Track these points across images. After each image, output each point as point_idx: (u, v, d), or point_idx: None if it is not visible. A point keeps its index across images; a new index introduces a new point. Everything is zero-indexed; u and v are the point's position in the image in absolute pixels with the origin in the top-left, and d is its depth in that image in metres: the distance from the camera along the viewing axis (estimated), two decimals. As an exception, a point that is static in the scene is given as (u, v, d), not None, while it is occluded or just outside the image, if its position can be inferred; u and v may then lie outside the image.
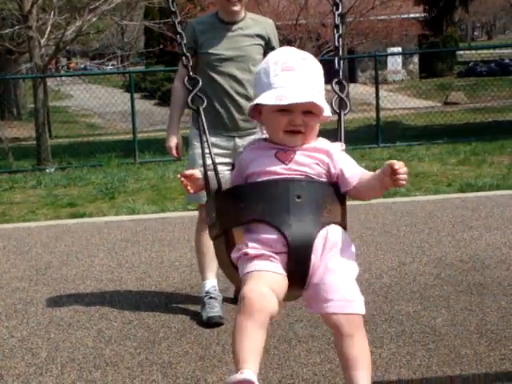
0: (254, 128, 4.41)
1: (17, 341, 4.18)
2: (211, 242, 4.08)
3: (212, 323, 4.24)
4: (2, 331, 4.34)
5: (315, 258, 2.34)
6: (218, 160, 4.29)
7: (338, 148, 2.45)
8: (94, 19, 15.65)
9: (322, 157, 2.38)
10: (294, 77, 2.26)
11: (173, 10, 3.09)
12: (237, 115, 4.36)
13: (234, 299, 4.62)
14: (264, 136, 2.46)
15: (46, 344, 4.11)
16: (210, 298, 4.38)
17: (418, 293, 4.63)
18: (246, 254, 2.32)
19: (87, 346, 4.05)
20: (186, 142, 4.53)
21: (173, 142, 4.41)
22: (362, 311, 2.41)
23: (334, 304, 2.33)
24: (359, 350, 2.44)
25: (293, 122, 2.28)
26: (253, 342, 2.19)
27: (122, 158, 12.78)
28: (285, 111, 2.26)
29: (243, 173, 2.45)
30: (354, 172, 2.42)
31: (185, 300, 4.76)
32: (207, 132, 4.32)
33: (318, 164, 2.37)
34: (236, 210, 2.37)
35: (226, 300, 4.52)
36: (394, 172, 2.33)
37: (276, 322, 4.22)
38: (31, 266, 5.77)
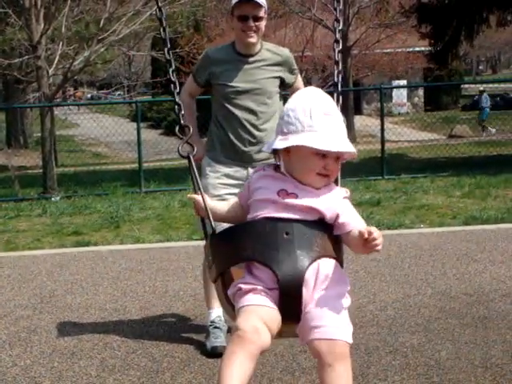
0: (268, 159, 4.43)
1: (20, 369, 4.17)
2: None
3: (216, 353, 4.22)
4: (6, 360, 4.33)
5: (307, 292, 2.32)
6: (230, 190, 4.35)
7: (341, 194, 2.45)
8: (102, 49, 15.80)
9: (328, 203, 2.39)
10: (334, 123, 2.28)
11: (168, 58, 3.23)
12: (251, 147, 4.38)
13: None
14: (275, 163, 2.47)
15: (49, 373, 4.10)
16: (215, 327, 4.38)
17: (422, 325, 4.62)
18: (239, 289, 2.34)
19: (90, 375, 4.04)
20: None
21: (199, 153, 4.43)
22: (347, 339, 2.33)
23: (317, 330, 2.28)
24: (340, 382, 2.31)
25: (327, 167, 2.31)
26: (241, 371, 2.17)
27: (127, 187, 12.82)
28: (322, 155, 2.28)
29: (248, 196, 2.49)
30: (348, 220, 2.39)
31: (189, 330, 4.75)
32: (220, 161, 4.34)
33: (313, 211, 2.38)
34: (228, 252, 2.41)
35: (230, 330, 4.51)
36: (365, 241, 2.31)
37: (280, 353, 4.21)
38: (35, 294, 5.77)
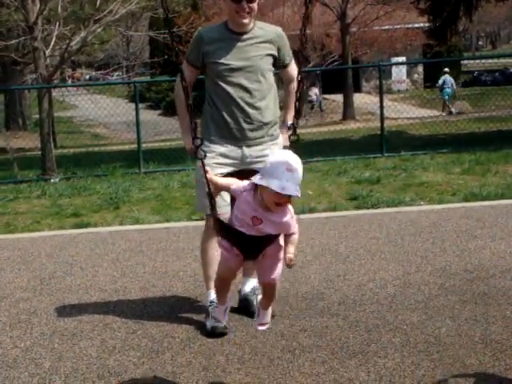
0: (262, 137, 4.41)
1: (20, 351, 4.18)
2: (217, 252, 4.16)
3: (216, 333, 4.23)
4: (6, 341, 4.34)
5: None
6: (226, 170, 4.33)
7: (289, 216, 3.43)
8: (99, 30, 15.71)
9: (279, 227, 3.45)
10: (292, 176, 3.26)
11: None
12: (245, 125, 4.36)
13: (239, 309, 4.61)
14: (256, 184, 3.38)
15: (49, 354, 4.11)
16: (215, 307, 4.37)
17: (422, 302, 4.62)
18: (220, 243, 3.59)
19: (91, 356, 4.05)
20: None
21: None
22: (279, 276, 3.65)
23: (268, 275, 3.58)
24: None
25: (281, 201, 3.30)
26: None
27: (126, 168, 12.78)
28: (278, 193, 3.25)
29: (235, 196, 3.50)
30: (292, 237, 3.50)
31: (189, 310, 4.75)
32: (215, 141, 4.33)
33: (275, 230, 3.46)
34: (222, 231, 3.57)
35: (230, 310, 4.50)
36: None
37: (280, 332, 4.21)
38: (35, 276, 5.77)
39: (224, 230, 3.58)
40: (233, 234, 3.49)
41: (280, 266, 3.61)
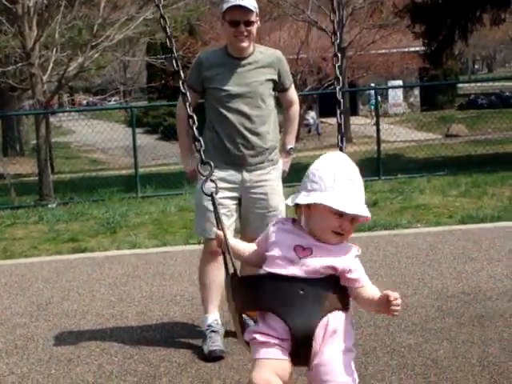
0: (262, 163, 4.41)
1: (17, 377, 4.16)
2: (215, 276, 4.15)
3: (213, 357, 4.22)
4: (3, 368, 4.32)
5: (316, 345, 2.48)
6: (225, 194, 4.31)
7: (354, 253, 2.58)
8: (96, 55, 15.78)
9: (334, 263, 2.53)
10: (354, 188, 2.45)
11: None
12: (245, 151, 4.36)
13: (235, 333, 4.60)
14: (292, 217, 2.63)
15: (46, 380, 4.09)
16: (212, 331, 4.36)
17: (419, 325, 4.61)
18: (254, 338, 2.51)
19: (88, 381, 4.03)
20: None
21: (192, 167, 4.40)
22: None
23: None
24: None
25: (342, 227, 2.47)
26: None
27: (123, 193, 12.80)
28: (339, 215, 2.43)
29: (266, 248, 2.61)
30: (360, 277, 2.60)
31: (186, 334, 4.73)
32: (215, 165, 4.34)
33: (327, 268, 2.52)
34: (247, 298, 2.60)
35: (228, 334, 4.50)
36: (388, 302, 2.51)
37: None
38: (32, 301, 5.75)
39: (243, 291, 2.61)
40: (260, 290, 2.51)
41: (353, 366, 2.56)
